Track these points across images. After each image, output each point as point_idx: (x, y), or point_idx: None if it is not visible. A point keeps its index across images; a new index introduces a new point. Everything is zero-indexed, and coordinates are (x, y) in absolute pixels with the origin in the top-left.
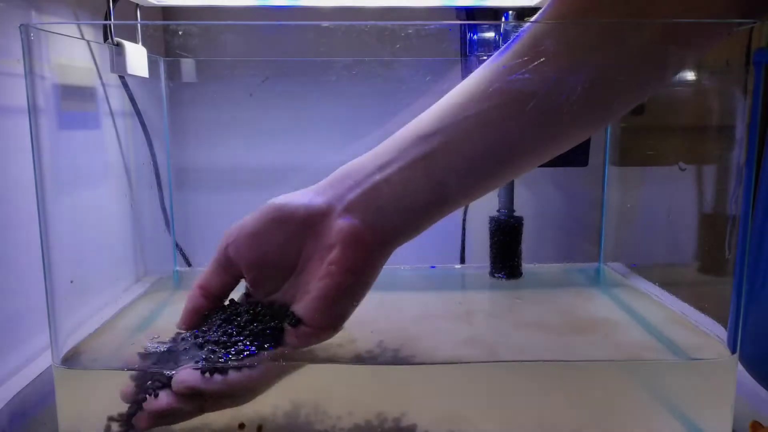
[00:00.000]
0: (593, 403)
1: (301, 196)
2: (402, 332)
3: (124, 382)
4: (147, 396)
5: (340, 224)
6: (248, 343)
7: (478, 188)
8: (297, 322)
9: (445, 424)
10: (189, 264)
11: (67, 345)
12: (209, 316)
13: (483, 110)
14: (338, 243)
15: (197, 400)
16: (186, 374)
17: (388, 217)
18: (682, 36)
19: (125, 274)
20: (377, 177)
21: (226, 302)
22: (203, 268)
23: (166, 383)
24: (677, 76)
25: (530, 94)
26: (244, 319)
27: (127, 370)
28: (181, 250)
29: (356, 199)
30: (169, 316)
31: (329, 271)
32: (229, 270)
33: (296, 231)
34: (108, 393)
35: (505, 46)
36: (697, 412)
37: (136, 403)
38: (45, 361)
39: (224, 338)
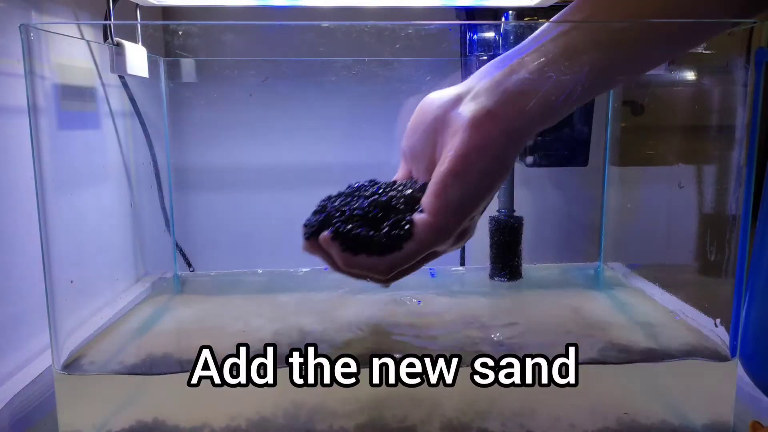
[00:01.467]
0: (593, 402)
1: (446, 89)
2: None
3: (124, 387)
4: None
5: (463, 110)
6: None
7: (609, 72)
8: (415, 209)
9: (446, 422)
10: (189, 264)
11: (67, 348)
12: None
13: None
14: (459, 129)
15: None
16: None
17: (515, 102)
18: None
19: (125, 275)
20: (508, 63)
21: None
22: (205, 272)
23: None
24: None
25: None
26: (378, 201)
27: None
28: (181, 250)
29: (485, 86)
30: (169, 322)
31: (446, 156)
32: (404, 162)
33: (433, 122)
34: (108, 398)
35: None
36: (698, 412)
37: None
38: (45, 361)
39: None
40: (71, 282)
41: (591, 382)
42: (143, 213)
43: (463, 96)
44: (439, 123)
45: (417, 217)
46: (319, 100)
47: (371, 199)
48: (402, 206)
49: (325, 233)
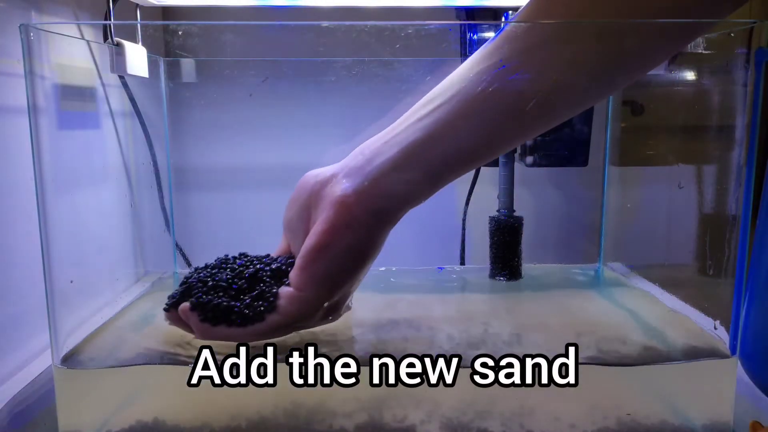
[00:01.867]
0: (593, 403)
1: (325, 167)
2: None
3: (123, 381)
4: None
5: (333, 188)
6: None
7: (471, 158)
8: (283, 282)
9: (446, 423)
10: (189, 264)
11: (67, 345)
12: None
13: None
14: (327, 206)
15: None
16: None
17: (377, 184)
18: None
19: (125, 275)
20: (378, 144)
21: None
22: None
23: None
24: (678, 77)
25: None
26: (247, 273)
27: (126, 366)
28: (181, 250)
29: (355, 166)
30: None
31: (314, 231)
32: (284, 235)
33: (307, 197)
34: (107, 392)
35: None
36: (698, 412)
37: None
38: (45, 361)
39: (224, 286)
40: (71, 282)
41: (591, 381)
42: (143, 213)
43: (337, 174)
44: (313, 199)
45: (282, 289)
46: (319, 100)
47: (237, 271)
48: (268, 278)
49: (184, 304)
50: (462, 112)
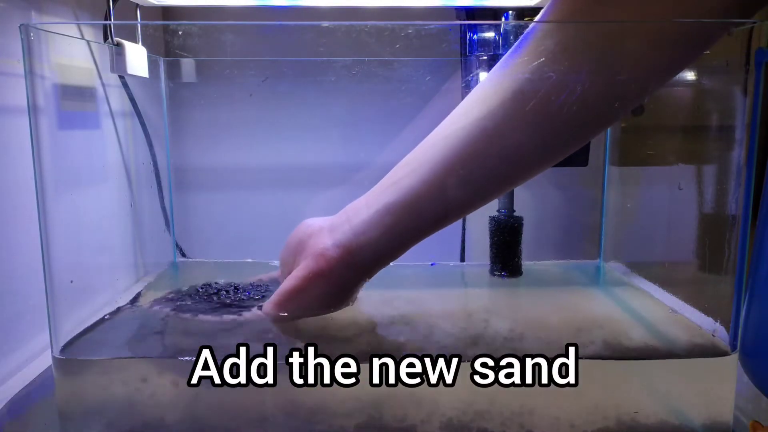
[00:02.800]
0: (593, 401)
1: (322, 218)
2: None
3: (122, 371)
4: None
5: (317, 240)
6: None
7: (440, 221)
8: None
9: (446, 422)
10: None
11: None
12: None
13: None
14: (309, 254)
15: None
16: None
17: (359, 241)
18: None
19: (125, 275)
20: (359, 204)
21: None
22: (203, 259)
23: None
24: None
25: (531, 98)
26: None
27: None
28: (181, 249)
29: (338, 223)
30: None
31: (293, 274)
32: (279, 270)
33: (298, 243)
34: (107, 382)
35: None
36: (697, 411)
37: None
38: (45, 361)
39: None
40: (71, 282)
41: (590, 380)
42: (143, 213)
43: (323, 228)
44: (301, 246)
45: (251, 311)
46: (319, 100)
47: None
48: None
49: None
50: (432, 181)
